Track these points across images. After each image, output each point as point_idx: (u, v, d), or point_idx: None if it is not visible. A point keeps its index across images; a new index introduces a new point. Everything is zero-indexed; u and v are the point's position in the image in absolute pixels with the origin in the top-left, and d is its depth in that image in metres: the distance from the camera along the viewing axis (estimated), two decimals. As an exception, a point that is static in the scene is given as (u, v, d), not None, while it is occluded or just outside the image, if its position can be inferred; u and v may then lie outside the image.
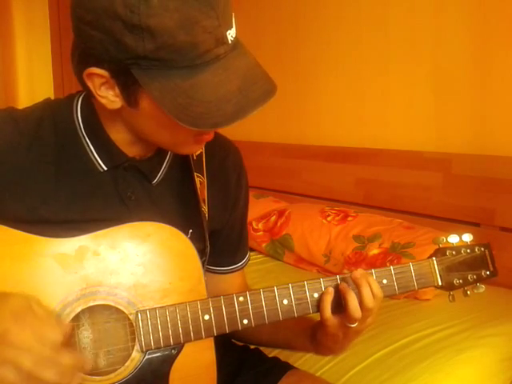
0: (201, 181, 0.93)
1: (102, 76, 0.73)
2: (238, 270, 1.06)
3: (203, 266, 0.91)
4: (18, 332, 0.67)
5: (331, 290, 0.86)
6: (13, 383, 0.66)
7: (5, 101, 4.57)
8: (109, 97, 0.76)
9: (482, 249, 0.97)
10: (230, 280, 1.05)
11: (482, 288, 0.95)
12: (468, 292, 0.95)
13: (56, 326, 0.70)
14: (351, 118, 2.28)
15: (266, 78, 0.75)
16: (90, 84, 0.75)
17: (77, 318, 0.80)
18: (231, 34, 0.72)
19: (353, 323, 0.85)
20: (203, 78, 0.71)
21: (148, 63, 0.69)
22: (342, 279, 0.87)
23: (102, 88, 0.75)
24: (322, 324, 0.87)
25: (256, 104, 0.72)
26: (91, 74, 0.74)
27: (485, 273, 0.96)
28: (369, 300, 0.84)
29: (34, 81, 4.57)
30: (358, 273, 0.86)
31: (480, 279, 0.96)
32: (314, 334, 0.92)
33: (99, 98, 0.76)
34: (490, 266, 0.97)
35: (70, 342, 0.76)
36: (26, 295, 0.72)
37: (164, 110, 0.71)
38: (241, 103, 0.71)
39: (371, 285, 0.85)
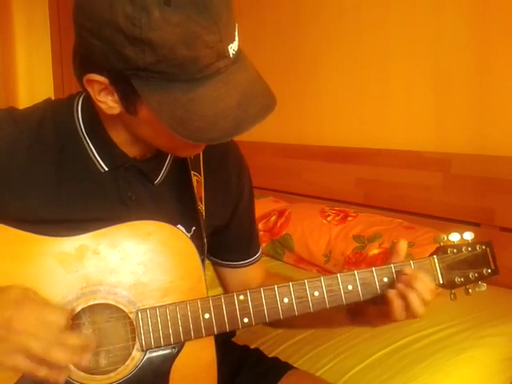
0: (197, 179, 0.93)
1: (101, 82, 0.73)
2: (254, 263, 1.08)
3: (203, 263, 0.92)
4: (22, 318, 0.69)
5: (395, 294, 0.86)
6: (26, 368, 0.69)
7: (5, 101, 4.57)
8: (108, 102, 0.76)
9: (484, 247, 0.96)
10: (249, 273, 1.07)
11: (484, 286, 0.94)
12: (470, 290, 0.94)
13: (57, 309, 0.73)
14: (351, 118, 2.28)
15: (267, 91, 0.75)
16: (89, 89, 0.75)
17: (77, 316, 0.80)
18: (233, 48, 0.72)
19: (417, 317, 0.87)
20: (203, 92, 0.71)
21: (148, 75, 0.69)
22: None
23: (102, 94, 0.75)
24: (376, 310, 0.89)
25: (255, 120, 0.72)
26: (91, 80, 0.74)
27: (486, 271, 0.95)
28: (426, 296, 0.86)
29: (34, 81, 4.57)
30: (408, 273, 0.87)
31: (481, 277, 0.95)
32: (358, 312, 0.93)
33: (98, 103, 0.76)
34: (492, 263, 0.96)
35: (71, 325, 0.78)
36: (23, 286, 0.74)
37: (162, 122, 0.72)
38: (239, 118, 0.72)
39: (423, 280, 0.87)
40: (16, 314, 0.69)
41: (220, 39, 0.69)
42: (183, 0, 0.66)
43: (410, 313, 0.86)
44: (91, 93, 0.75)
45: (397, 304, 0.85)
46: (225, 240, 1.03)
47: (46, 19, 4.05)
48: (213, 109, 0.71)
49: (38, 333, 0.69)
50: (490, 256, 0.96)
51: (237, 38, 0.73)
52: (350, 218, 1.99)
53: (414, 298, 0.84)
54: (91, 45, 0.70)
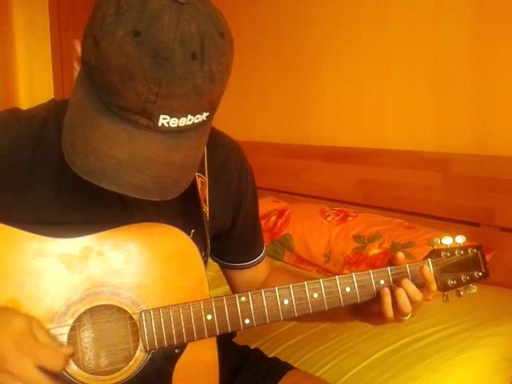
0: (202, 181, 0.94)
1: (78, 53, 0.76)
2: (259, 262, 1.09)
3: (205, 265, 0.92)
4: (16, 359, 0.69)
5: (388, 291, 0.88)
6: None
7: (5, 101, 4.56)
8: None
9: (475, 250, 0.98)
10: (255, 271, 1.09)
11: (474, 288, 0.97)
12: (461, 293, 0.96)
13: (55, 352, 0.72)
14: (351, 118, 2.28)
15: (160, 183, 0.71)
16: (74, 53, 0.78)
17: (80, 318, 0.80)
18: (168, 121, 0.69)
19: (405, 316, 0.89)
20: (106, 125, 0.70)
21: (88, 73, 0.71)
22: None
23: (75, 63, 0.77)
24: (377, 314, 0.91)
25: (115, 184, 0.69)
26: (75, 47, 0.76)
27: (477, 274, 0.97)
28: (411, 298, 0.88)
29: (34, 81, 4.57)
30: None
31: (473, 280, 0.97)
32: (358, 309, 0.95)
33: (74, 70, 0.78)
34: (482, 267, 0.98)
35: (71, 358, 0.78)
36: (27, 316, 0.74)
37: (66, 114, 0.74)
38: (105, 170, 0.69)
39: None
40: (13, 353, 0.69)
41: (153, 101, 0.67)
42: (151, 44, 0.65)
43: (397, 310, 0.87)
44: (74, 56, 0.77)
45: (387, 301, 0.87)
46: (229, 244, 1.04)
47: (46, 19, 4.04)
48: (98, 143, 0.69)
49: (29, 377, 0.69)
50: (481, 259, 0.98)
51: (183, 121, 0.70)
52: (349, 218, 1.99)
53: (399, 294, 0.87)
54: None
